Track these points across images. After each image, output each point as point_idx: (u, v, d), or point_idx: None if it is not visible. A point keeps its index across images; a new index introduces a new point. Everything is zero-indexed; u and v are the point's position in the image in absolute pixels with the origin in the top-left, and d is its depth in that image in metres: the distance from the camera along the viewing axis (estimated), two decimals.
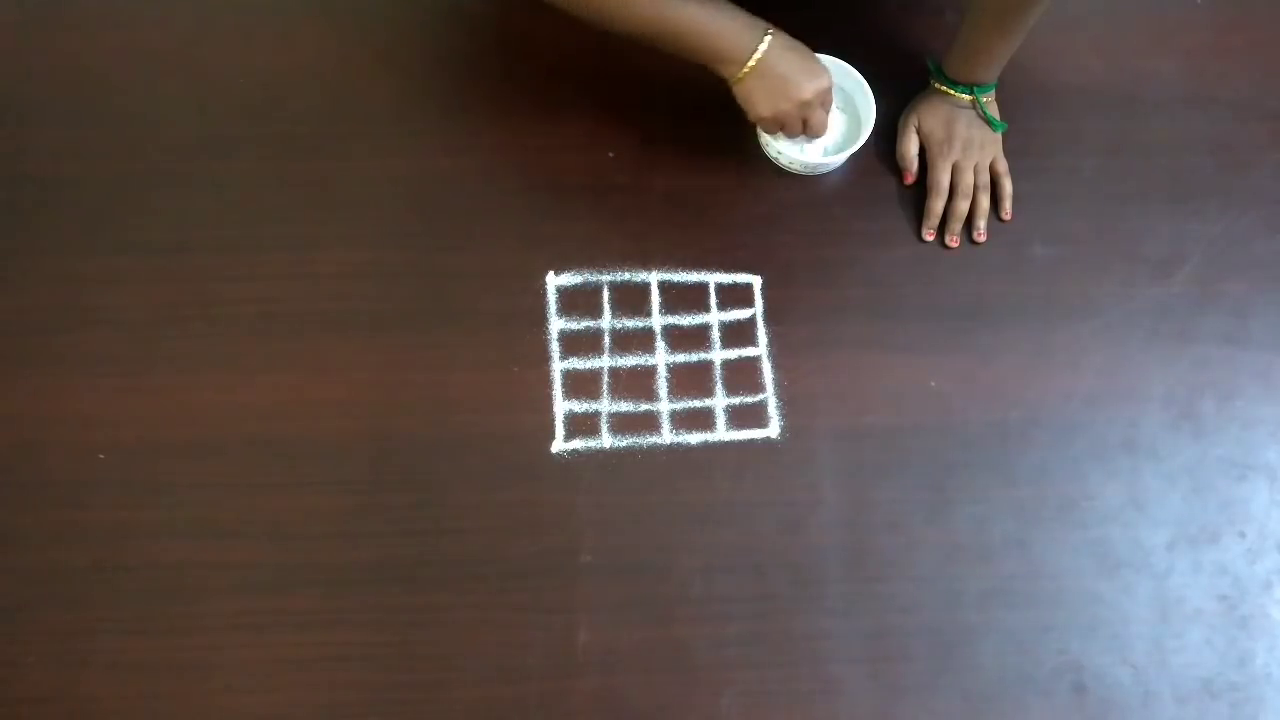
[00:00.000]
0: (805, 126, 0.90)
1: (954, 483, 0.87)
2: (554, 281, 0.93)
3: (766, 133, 0.92)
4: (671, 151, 0.97)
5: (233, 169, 0.96)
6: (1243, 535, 0.87)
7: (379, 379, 0.89)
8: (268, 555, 0.84)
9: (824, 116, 0.91)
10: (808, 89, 0.87)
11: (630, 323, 0.92)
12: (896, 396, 0.90)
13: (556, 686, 0.81)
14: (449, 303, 0.92)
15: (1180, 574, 0.86)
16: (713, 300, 0.93)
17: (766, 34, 0.84)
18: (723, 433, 0.89)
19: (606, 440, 0.88)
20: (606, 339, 0.91)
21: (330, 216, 0.95)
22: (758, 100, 0.87)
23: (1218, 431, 0.90)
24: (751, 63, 0.84)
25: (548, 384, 0.89)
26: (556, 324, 0.91)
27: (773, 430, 0.89)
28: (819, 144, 0.95)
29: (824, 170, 0.97)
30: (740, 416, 0.89)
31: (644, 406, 0.89)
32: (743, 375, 0.90)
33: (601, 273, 0.93)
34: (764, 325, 0.92)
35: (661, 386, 0.90)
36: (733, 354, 0.91)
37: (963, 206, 0.95)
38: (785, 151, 0.93)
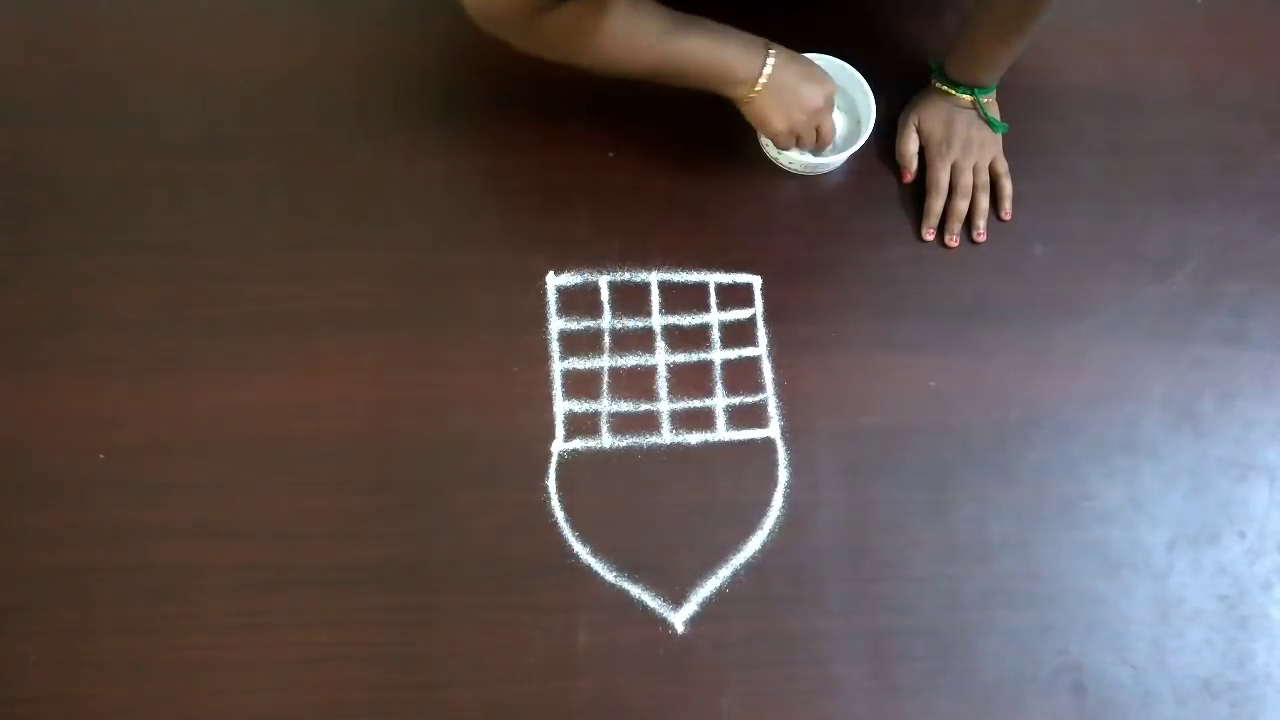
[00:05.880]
0: (818, 134, 0.90)
1: (953, 482, 0.87)
2: (554, 281, 0.93)
3: (780, 147, 0.91)
4: (671, 151, 0.97)
5: (233, 169, 0.96)
6: (1243, 535, 0.87)
7: (379, 379, 0.89)
8: (268, 555, 0.84)
9: (833, 123, 0.91)
10: (819, 95, 0.87)
11: (630, 323, 0.92)
12: (896, 396, 0.90)
13: (556, 686, 0.81)
14: (449, 303, 0.92)
15: (1180, 574, 0.86)
16: (713, 300, 0.93)
17: (769, 51, 0.83)
18: (723, 432, 0.89)
19: (606, 440, 0.88)
20: (606, 339, 0.91)
21: (330, 216, 0.95)
22: (772, 116, 0.86)
23: (1217, 431, 0.90)
24: (761, 82, 0.83)
25: (548, 384, 0.89)
26: (556, 324, 0.91)
27: (772, 430, 0.89)
28: None
29: (824, 170, 0.97)
30: (740, 416, 0.89)
31: (644, 406, 0.89)
32: (742, 375, 0.90)
33: (601, 273, 0.93)
34: (763, 325, 0.92)
35: (661, 386, 0.90)
36: (732, 354, 0.91)
37: (962, 206, 0.95)
38: (785, 152, 0.93)
